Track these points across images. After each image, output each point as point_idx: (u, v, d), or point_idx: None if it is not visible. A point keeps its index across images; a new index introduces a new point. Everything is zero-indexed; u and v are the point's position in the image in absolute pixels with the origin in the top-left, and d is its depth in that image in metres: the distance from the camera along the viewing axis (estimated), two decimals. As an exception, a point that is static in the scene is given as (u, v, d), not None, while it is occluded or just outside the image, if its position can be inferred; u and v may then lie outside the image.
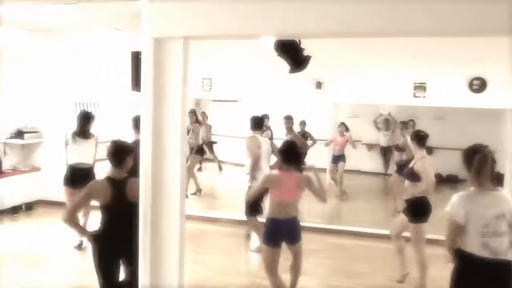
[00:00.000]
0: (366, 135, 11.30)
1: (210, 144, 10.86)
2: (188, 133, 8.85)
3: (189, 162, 8.60)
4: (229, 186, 9.93)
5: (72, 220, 3.68)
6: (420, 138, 5.00)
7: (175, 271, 3.52)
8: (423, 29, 2.98)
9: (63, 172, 5.87)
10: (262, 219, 5.37)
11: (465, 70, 6.09)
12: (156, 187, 3.49)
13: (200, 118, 10.02)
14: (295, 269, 4.40)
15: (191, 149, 8.78)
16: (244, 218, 6.13)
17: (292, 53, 3.91)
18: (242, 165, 6.53)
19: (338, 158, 9.18)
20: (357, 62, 6.38)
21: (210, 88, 7.16)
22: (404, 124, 8.86)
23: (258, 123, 6.22)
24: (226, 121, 11.99)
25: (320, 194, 4.35)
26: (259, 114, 6.56)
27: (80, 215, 5.64)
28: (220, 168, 11.35)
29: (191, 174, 8.76)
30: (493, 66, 5.90)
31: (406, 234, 5.03)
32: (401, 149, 7.97)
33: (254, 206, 5.85)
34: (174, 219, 3.49)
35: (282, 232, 4.24)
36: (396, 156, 8.63)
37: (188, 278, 3.97)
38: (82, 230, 3.99)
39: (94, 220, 5.90)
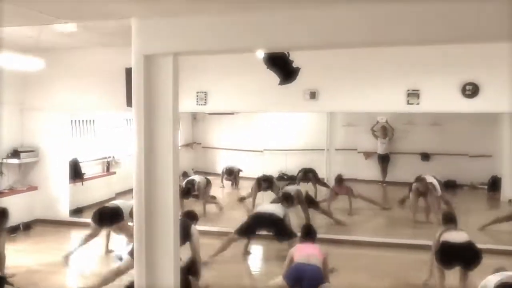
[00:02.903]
0: (363, 143, 11.31)
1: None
2: None
3: None
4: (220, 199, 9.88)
5: None
6: None
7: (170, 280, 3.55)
8: (412, 38, 3.02)
9: (59, 190, 5.84)
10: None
11: (457, 75, 6.07)
12: (150, 201, 3.52)
13: None
14: None
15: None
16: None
17: (281, 66, 3.95)
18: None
19: None
20: (350, 71, 6.37)
21: (205, 102, 7.14)
22: None
23: None
24: (223, 133, 12.03)
25: None
26: None
27: None
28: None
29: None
30: (485, 71, 5.90)
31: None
32: None
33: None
34: (168, 232, 3.53)
35: None
36: None
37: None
38: None
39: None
